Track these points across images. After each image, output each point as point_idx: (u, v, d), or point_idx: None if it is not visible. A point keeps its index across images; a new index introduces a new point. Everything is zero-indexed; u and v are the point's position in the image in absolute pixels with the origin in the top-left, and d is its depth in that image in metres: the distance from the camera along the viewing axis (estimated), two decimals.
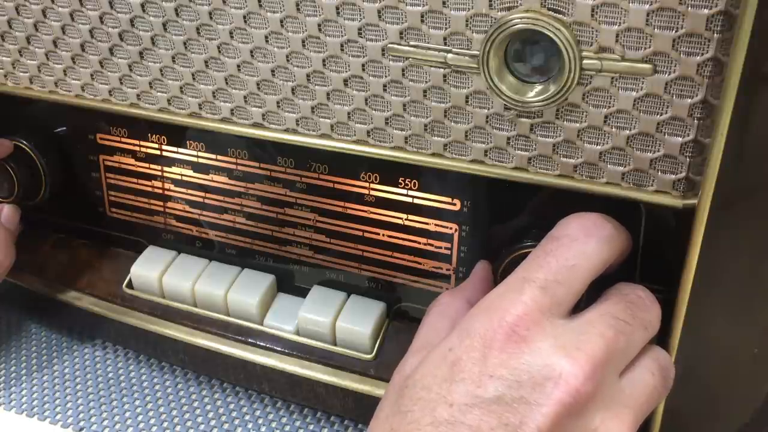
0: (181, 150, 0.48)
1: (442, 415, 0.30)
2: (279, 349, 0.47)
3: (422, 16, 0.35)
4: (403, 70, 0.37)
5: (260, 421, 0.49)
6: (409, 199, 0.42)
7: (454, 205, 0.42)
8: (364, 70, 0.38)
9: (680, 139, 0.34)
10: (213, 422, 0.49)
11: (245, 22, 0.39)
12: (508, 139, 0.37)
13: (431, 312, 0.39)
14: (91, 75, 0.46)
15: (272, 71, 0.40)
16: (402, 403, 0.32)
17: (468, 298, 0.39)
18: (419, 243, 0.43)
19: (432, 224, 0.43)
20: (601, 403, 0.31)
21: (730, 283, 0.35)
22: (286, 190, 0.45)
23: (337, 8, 0.36)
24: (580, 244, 0.33)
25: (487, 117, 0.37)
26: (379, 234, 0.44)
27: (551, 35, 0.32)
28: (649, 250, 0.37)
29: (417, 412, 0.31)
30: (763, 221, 0.33)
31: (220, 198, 0.48)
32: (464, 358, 0.31)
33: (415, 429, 0.30)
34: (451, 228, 0.42)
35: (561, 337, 0.31)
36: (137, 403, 0.51)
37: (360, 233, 0.45)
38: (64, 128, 0.51)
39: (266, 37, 0.39)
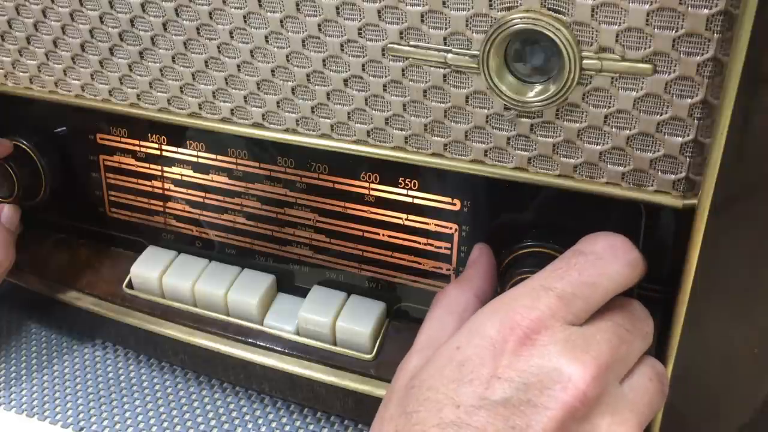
0: (181, 150, 0.48)
1: (448, 416, 0.30)
2: (279, 349, 0.47)
3: (422, 16, 0.35)
4: (403, 70, 0.37)
5: (260, 421, 0.49)
6: (409, 199, 0.42)
7: (454, 205, 0.42)
8: (364, 70, 0.38)
9: (680, 139, 0.34)
10: (213, 422, 0.49)
11: (245, 22, 0.39)
12: (508, 139, 0.37)
13: (437, 306, 0.38)
14: (91, 75, 0.46)
15: (272, 71, 0.40)
16: (407, 404, 0.32)
17: (476, 292, 0.38)
18: (419, 243, 0.43)
19: (432, 224, 0.43)
20: (606, 408, 0.31)
21: (730, 283, 0.35)
22: (286, 190, 0.45)
23: (337, 8, 0.36)
24: (606, 264, 0.33)
25: (487, 117, 0.37)
26: (379, 234, 0.44)
27: (551, 35, 0.32)
28: (649, 250, 0.37)
29: (423, 412, 0.31)
30: (763, 221, 0.33)
31: (220, 198, 0.48)
32: (473, 358, 0.31)
33: (420, 430, 0.30)
34: (451, 228, 0.42)
35: (570, 342, 0.31)
36: (137, 403, 0.51)
37: (360, 233, 0.45)
38: (64, 128, 0.51)
39: (266, 37, 0.39)
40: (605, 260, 0.34)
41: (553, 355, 0.31)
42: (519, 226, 0.40)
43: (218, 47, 0.41)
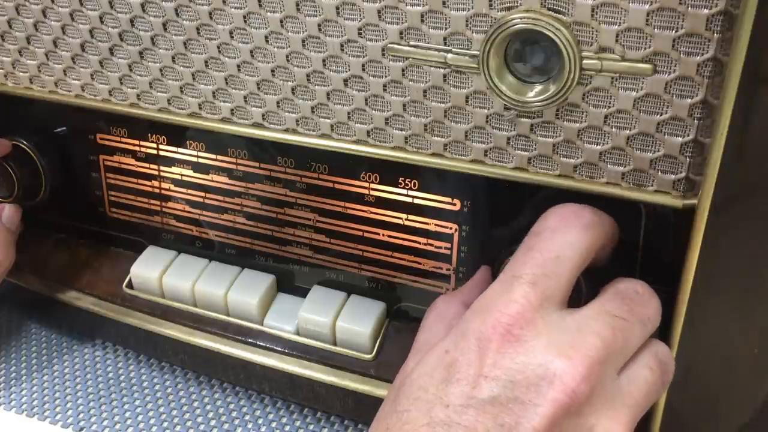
0: (181, 150, 0.48)
1: (438, 415, 0.30)
2: (279, 349, 0.47)
3: (422, 16, 0.35)
4: (403, 70, 0.37)
5: (260, 421, 0.49)
6: (409, 199, 0.42)
7: (454, 205, 0.42)
8: (364, 70, 0.38)
9: (680, 139, 0.34)
10: (213, 422, 0.49)
11: (245, 22, 0.39)
12: (508, 139, 0.37)
13: (428, 316, 0.39)
14: (91, 75, 0.46)
15: (272, 71, 0.40)
16: (398, 403, 0.32)
17: (464, 301, 0.39)
18: (419, 243, 0.43)
19: (432, 224, 0.43)
20: (598, 403, 0.31)
21: (730, 283, 0.35)
22: (286, 190, 0.46)
23: (337, 8, 0.36)
24: (562, 235, 0.33)
25: (487, 117, 0.37)
26: (379, 234, 0.44)
27: (551, 35, 0.32)
28: (649, 250, 0.37)
29: (413, 412, 0.31)
30: (763, 221, 0.33)
31: (220, 198, 0.48)
32: (460, 359, 0.32)
33: (411, 429, 0.30)
34: (451, 228, 0.42)
35: (555, 336, 0.31)
36: (137, 403, 0.51)
37: (360, 233, 0.45)
38: (64, 128, 0.51)
39: (266, 37, 0.39)
40: (559, 231, 0.34)
41: (538, 350, 0.31)
42: (519, 226, 0.40)
43: (218, 47, 0.41)
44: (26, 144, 0.51)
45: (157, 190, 0.50)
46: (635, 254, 0.38)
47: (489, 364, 0.31)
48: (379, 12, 0.36)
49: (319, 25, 0.37)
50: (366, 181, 0.43)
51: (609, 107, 0.34)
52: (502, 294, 0.32)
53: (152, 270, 0.50)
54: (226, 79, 0.42)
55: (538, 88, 0.35)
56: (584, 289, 0.35)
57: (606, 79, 0.33)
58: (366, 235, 0.45)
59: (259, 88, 0.41)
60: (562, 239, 0.33)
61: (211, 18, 0.40)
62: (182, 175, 0.48)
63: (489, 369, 0.31)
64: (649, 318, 0.34)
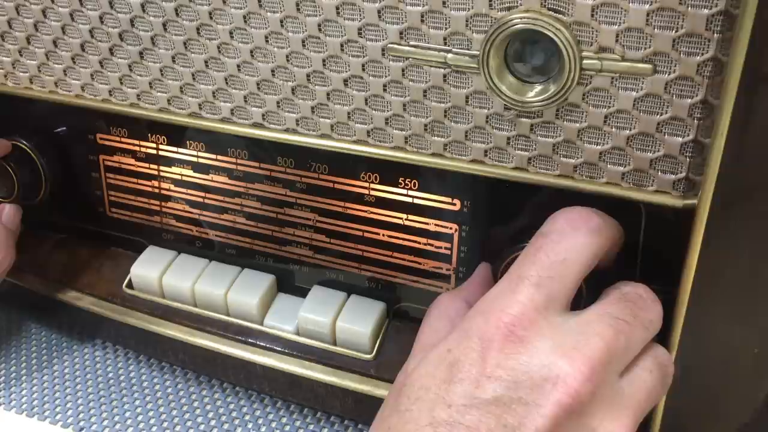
0: (181, 150, 0.48)
1: (440, 415, 0.30)
2: (279, 349, 0.47)
3: (422, 16, 0.35)
4: (403, 70, 0.37)
5: (260, 421, 0.49)
6: (409, 199, 0.42)
7: (454, 205, 0.42)
8: (364, 70, 0.38)
9: (680, 139, 0.34)
10: (213, 422, 0.49)
11: (245, 22, 0.39)
12: (508, 139, 0.37)
13: (430, 314, 0.39)
14: (91, 75, 0.46)
15: (272, 71, 0.40)
16: (400, 402, 0.32)
17: (466, 298, 0.39)
18: (419, 243, 0.43)
19: (432, 224, 0.43)
20: (601, 404, 0.31)
21: (730, 283, 0.35)
22: (286, 190, 0.46)
23: (337, 8, 0.36)
24: (569, 238, 0.33)
25: (487, 117, 0.37)
26: (379, 234, 0.44)
27: (551, 35, 0.32)
28: (649, 250, 0.37)
29: (415, 411, 0.31)
30: (763, 221, 0.33)
31: (220, 198, 0.48)
32: (462, 359, 0.31)
33: (413, 429, 0.30)
34: (451, 228, 0.42)
35: (559, 337, 0.31)
36: (137, 403, 0.51)
37: (360, 233, 0.45)
38: (64, 128, 0.51)
39: (266, 37, 0.39)
40: (567, 235, 0.34)
41: (542, 351, 0.31)
42: (519, 226, 0.40)
43: (218, 47, 0.41)
44: (26, 144, 0.51)
45: (156, 190, 0.50)
46: (635, 254, 0.38)
47: (492, 364, 0.31)
48: (379, 12, 0.36)
49: (319, 25, 0.37)
50: (366, 181, 0.43)
51: (609, 107, 0.34)
52: (506, 294, 0.32)
53: (152, 270, 0.50)
54: (226, 79, 0.42)
55: (538, 88, 0.35)
56: (584, 292, 0.35)
57: (606, 79, 0.33)
58: (366, 235, 0.45)
59: (259, 88, 0.41)
60: (570, 243, 0.33)
61: (211, 18, 0.40)
62: (182, 175, 0.48)
63: (492, 369, 0.31)
64: (651, 322, 0.34)
